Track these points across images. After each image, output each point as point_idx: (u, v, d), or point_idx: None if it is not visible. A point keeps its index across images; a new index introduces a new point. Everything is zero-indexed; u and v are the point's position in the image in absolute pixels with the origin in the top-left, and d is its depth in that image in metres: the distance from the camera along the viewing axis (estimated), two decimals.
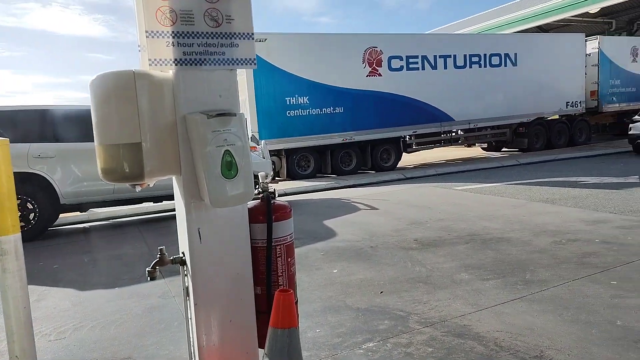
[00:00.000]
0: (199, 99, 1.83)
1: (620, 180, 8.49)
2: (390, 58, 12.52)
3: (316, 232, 6.03)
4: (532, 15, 20.75)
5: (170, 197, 7.25)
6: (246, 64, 1.88)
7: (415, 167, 13.39)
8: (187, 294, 2.01)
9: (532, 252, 4.52)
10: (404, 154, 13.34)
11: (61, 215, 7.18)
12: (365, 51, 12.20)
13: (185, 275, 1.99)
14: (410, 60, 12.81)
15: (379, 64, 12.40)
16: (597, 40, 15.95)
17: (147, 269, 1.97)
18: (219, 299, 1.96)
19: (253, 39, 1.88)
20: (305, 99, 11.68)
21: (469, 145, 16.54)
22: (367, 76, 12.27)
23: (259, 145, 8.91)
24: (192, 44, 1.78)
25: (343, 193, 9.50)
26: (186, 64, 1.79)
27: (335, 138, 12.05)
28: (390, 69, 12.56)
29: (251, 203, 2.03)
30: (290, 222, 2.10)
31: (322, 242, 5.46)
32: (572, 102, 15.42)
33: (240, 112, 1.88)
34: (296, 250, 5.11)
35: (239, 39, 1.85)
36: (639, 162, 10.97)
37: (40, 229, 6.59)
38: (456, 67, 13.43)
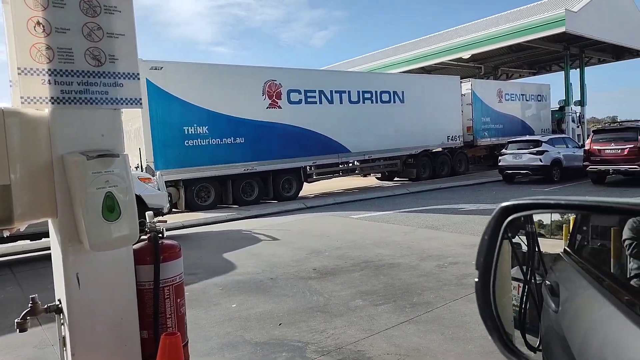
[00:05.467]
0: (79, 139, 1.76)
1: (494, 206, 9.44)
2: (289, 91, 12.91)
3: (215, 265, 5.89)
4: (415, 57, 23.04)
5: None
6: (131, 104, 1.85)
7: (316, 197, 13.76)
8: (64, 344, 1.86)
9: (419, 276, 4.89)
10: (305, 183, 13.66)
11: None
12: (265, 83, 12.44)
13: (62, 324, 1.85)
14: (309, 94, 13.33)
15: (279, 96, 12.71)
16: (470, 82, 18.17)
17: (16, 320, 1.80)
18: (99, 347, 1.85)
19: (138, 79, 1.86)
20: (205, 129, 11.50)
21: (365, 175, 17.49)
22: (267, 108, 12.49)
23: (154, 176, 8.52)
24: (72, 82, 1.71)
25: (245, 224, 9.41)
26: (64, 103, 1.71)
27: (237, 168, 11.97)
28: (290, 101, 12.94)
29: (137, 244, 1.97)
30: (180, 262, 2.07)
31: (221, 276, 5.34)
32: (452, 137, 17.17)
33: (125, 152, 1.83)
34: (193, 286, 4.96)
35: (124, 78, 1.82)
36: (508, 190, 12.51)
37: None
38: (351, 102, 14.27)
